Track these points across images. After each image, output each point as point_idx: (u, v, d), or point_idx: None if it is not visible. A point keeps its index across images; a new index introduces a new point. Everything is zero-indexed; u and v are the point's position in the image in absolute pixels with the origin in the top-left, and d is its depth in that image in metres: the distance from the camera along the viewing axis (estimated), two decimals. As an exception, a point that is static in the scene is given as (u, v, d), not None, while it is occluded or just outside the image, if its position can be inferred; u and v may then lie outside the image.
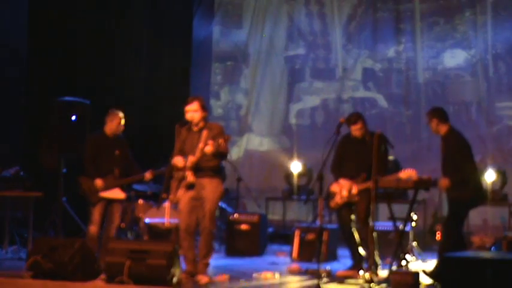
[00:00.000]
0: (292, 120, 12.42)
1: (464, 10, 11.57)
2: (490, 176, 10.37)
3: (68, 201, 9.83)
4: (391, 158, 9.21)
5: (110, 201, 8.44)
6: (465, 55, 11.56)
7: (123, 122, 8.53)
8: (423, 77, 11.73)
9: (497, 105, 11.36)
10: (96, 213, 8.38)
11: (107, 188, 8.39)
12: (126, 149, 8.63)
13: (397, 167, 9.72)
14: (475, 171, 7.59)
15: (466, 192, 7.41)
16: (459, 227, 7.64)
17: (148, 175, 8.56)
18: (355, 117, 8.17)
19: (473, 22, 11.53)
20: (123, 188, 8.55)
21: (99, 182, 8.33)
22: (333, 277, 7.78)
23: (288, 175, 11.64)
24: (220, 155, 7.48)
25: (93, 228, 8.35)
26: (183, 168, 7.46)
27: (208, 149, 7.29)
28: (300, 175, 11.51)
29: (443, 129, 7.61)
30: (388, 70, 11.98)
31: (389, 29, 11.96)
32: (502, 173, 10.41)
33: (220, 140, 7.29)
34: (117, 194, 8.46)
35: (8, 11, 11.08)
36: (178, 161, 7.49)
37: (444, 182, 7.42)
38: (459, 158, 7.49)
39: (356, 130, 8.12)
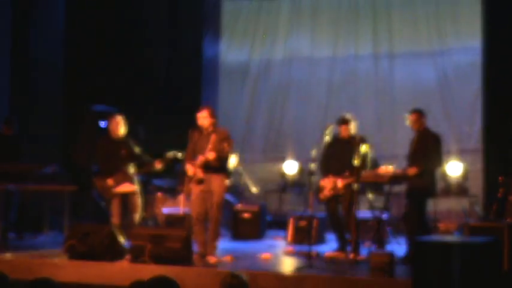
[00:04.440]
0: (286, 125, 12.38)
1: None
2: (453, 172, 10.34)
3: (98, 194, 9.81)
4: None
5: (126, 194, 8.37)
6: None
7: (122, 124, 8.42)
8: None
9: (458, 107, 11.33)
10: (114, 207, 8.30)
11: (117, 184, 8.29)
12: (131, 147, 8.49)
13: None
14: (440, 165, 7.55)
15: (429, 181, 7.37)
16: (424, 214, 7.61)
17: (157, 164, 8.49)
18: (345, 119, 8.17)
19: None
20: (133, 181, 8.47)
21: (109, 181, 8.25)
22: (321, 257, 7.78)
23: (283, 172, 11.57)
24: (225, 158, 7.50)
25: (114, 220, 8.29)
26: (193, 175, 7.47)
27: (211, 155, 7.33)
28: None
29: (423, 125, 7.62)
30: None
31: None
32: (463, 170, 10.39)
33: (225, 144, 7.31)
34: (128, 187, 8.36)
35: (46, 28, 11.09)
36: (189, 169, 7.52)
37: (412, 170, 7.39)
38: (431, 150, 7.45)
39: (345, 130, 8.09)
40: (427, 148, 7.46)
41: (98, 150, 8.47)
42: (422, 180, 7.33)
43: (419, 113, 7.66)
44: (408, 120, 7.71)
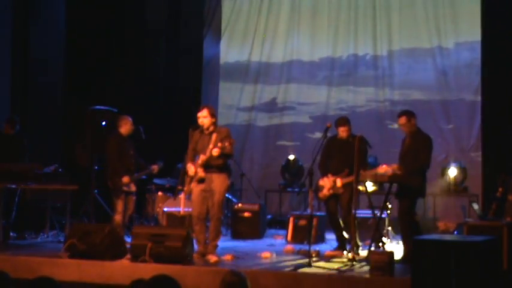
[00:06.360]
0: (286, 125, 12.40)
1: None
2: (453, 171, 10.35)
3: (99, 193, 9.82)
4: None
5: (127, 194, 8.46)
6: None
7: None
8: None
9: (458, 107, 11.34)
10: (121, 205, 8.39)
11: (131, 182, 8.41)
12: (134, 148, 8.64)
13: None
14: (428, 166, 7.55)
15: (418, 181, 7.38)
16: (413, 213, 7.62)
17: (155, 168, 8.62)
18: (343, 121, 8.18)
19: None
20: (134, 182, 8.58)
21: (126, 179, 8.34)
22: (321, 256, 7.79)
23: (284, 171, 11.58)
24: (226, 156, 7.50)
25: (118, 217, 8.36)
26: (194, 174, 7.48)
27: (216, 151, 7.34)
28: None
29: (414, 126, 7.61)
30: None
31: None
32: (462, 169, 10.41)
33: (227, 143, 7.31)
34: (131, 187, 8.49)
35: (47, 28, 11.09)
36: (190, 169, 7.54)
37: (399, 168, 7.40)
38: (422, 151, 7.46)
39: (343, 131, 8.10)
40: (417, 150, 7.47)
41: (112, 148, 8.49)
42: (411, 181, 7.34)
43: (407, 116, 7.61)
44: (398, 123, 7.72)
